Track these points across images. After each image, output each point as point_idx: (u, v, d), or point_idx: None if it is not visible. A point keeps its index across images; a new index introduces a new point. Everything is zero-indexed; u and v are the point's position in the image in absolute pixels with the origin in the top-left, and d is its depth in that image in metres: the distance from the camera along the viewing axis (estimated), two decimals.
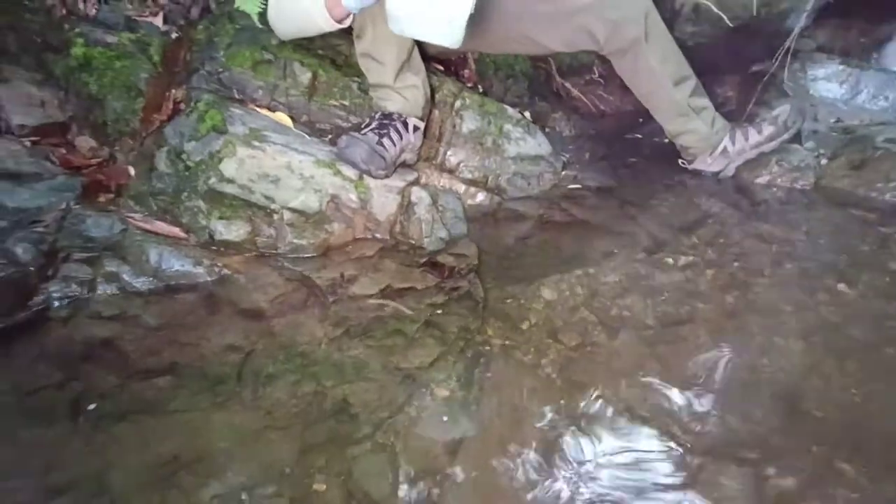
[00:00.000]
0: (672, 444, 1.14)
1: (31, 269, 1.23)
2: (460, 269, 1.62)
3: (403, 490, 1.06)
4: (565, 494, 1.04)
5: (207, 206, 1.47)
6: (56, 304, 1.27)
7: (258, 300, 1.41)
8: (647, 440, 1.16)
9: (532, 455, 1.11)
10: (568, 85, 2.78)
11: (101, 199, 1.44)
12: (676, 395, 1.26)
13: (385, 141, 1.60)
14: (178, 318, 1.32)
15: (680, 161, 2.22)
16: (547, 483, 1.07)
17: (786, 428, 1.17)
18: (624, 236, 1.87)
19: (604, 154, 2.52)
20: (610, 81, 2.90)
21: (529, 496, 1.04)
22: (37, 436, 1.04)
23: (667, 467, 1.12)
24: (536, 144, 2.02)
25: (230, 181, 1.48)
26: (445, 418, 1.20)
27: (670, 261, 1.72)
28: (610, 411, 1.22)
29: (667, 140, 2.39)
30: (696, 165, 2.18)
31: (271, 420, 1.16)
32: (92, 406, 1.12)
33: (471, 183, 1.93)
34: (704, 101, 2.06)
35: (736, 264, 1.68)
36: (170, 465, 1.05)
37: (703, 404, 1.24)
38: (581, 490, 1.05)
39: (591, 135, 2.68)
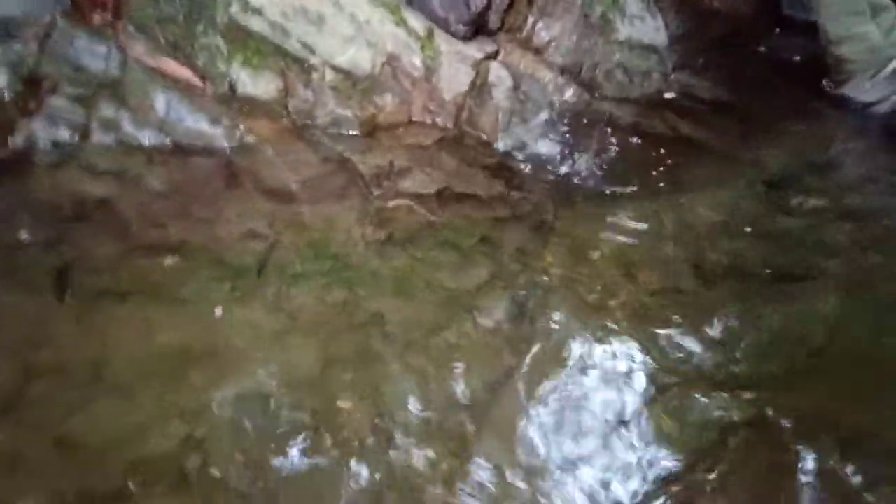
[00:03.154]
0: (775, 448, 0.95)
1: (8, 97, 0.99)
2: (533, 178, 1.35)
3: (433, 421, 0.93)
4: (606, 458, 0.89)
5: (228, 45, 1.18)
6: (41, 146, 1.06)
7: (287, 179, 1.18)
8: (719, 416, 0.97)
9: (580, 415, 0.94)
10: None
11: (96, 18, 1.14)
12: (786, 375, 1.04)
13: None
14: (190, 187, 1.11)
15: (824, 82, 1.77)
16: (590, 443, 0.91)
17: None
18: (739, 164, 1.53)
19: (718, 62, 2.06)
20: None
21: (566, 455, 0.88)
22: (17, 304, 0.90)
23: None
24: (654, 29, 1.60)
25: (257, 12, 1.16)
26: (487, 352, 1.03)
27: (796, 202, 1.40)
28: (682, 376, 1.01)
29: (798, 58, 1.92)
30: (847, 90, 1.73)
31: (294, 324, 1.01)
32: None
33: (560, 70, 1.55)
34: (886, 0, 1.56)
35: (885, 221, 1.35)
36: (177, 358, 0.92)
37: (817, 389, 1.03)
38: (629, 450, 0.88)
39: (702, 37, 2.17)
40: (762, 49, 2.20)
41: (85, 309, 0.92)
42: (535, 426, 0.93)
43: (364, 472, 0.85)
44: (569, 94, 1.58)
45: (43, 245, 0.97)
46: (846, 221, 1.38)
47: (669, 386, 0.99)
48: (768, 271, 1.21)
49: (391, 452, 0.88)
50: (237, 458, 0.85)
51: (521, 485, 0.85)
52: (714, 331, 1.09)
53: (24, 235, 0.97)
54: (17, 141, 1.04)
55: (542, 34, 1.54)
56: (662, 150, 1.56)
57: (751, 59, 2.13)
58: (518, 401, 0.97)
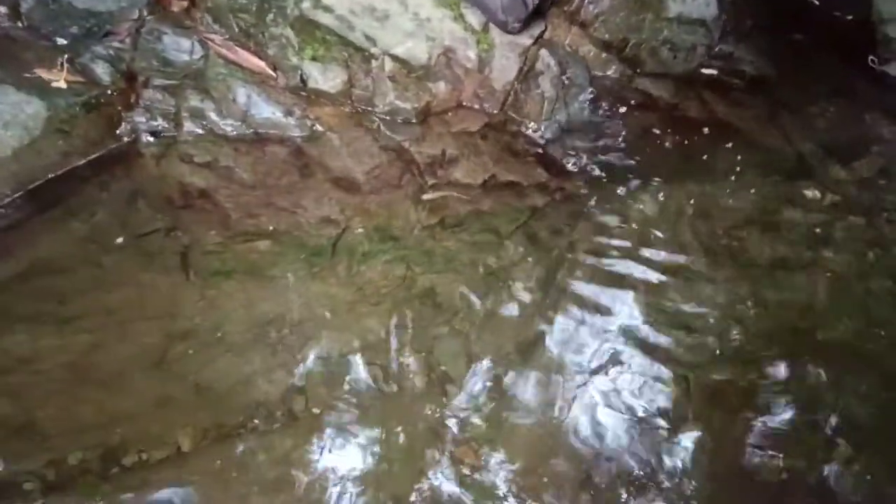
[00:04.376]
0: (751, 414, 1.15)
1: (113, 93, 1.12)
2: (570, 164, 1.48)
3: (475, 373, 1.20)
4: (625, 407, 1.16)
5: (298, 38, 1.27)
6: (143, 137, 1.22)
7: (353, 170, 1.35)
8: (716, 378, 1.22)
9: (594, 364, 1.19)
10: None
11: (174, 7, 1.22)
12: (769, 349, 1.22)
13: None
14: (273, 178, 1.30)
15: (870, 59, 1.77)
16: (608, 396, 1.17)
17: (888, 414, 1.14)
18: (764, 151, 1.64)
19: (767, 22, 2.01)
20: None
21: (588, 403, 1.14)
22: (154, 282, 1.15)
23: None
24: (704, 3, 1.59)
25: (327, 9, 1.24)
26: (520, 317, 1.27)
27: (810, 194, 1.53)
28: (684, 343, 1.23)
29: (850, 17, 1.88)
30: (891, 69, 1.75)
31: (363, 295, 1.25)
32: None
33: (605, 46, 1.60)
34: None
35: (885, 215, 1.49)
36: (275, 325, 1.18)
37: (787, 369, 1.25)
38: (639, 411, 1.14)
39: None
40: (816, 3, 2.12)
41: (204, 285, 1.16)
42: (554, 379, 1.17)
43: (423, 410, 1.12)
44: (611, 71, 1.64)
45: (164, 231, 1.19)
46: (855, 216, 1.53)
47: (671, 345, 1.20)
48: (772, 259, 1.40)
49: (442, 397, 1.16)
50: (329, 400, 1.13)
51: (547, 418, 1.10)
52: (716, 304, 1.29)
53: (148, 223, 1.18)
54: (124, 131, 1.20)
55: (591, 7, 1.56)
56: (694, 135, 1.66)
57: (799, 16, 2.08)
58: (545, 355, 1.21)
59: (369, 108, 1.40)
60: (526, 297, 1.29)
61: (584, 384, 1.17)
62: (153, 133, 1.23)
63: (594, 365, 1.20)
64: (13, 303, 1.09)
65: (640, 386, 1.17)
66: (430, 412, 1.12)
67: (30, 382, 1.02)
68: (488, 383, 1.18)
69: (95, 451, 0.98)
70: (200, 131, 1.29)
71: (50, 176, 1.13)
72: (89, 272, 1.13)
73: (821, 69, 1.89)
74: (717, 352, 1.22)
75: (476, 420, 1.13)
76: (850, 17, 1.93)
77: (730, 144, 1.65)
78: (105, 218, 1.19)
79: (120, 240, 1.17)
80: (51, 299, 1.10)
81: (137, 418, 1.03)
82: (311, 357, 1.17)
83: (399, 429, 1.10)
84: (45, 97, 1.11)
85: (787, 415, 1.18)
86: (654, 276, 1.35)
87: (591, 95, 1.56)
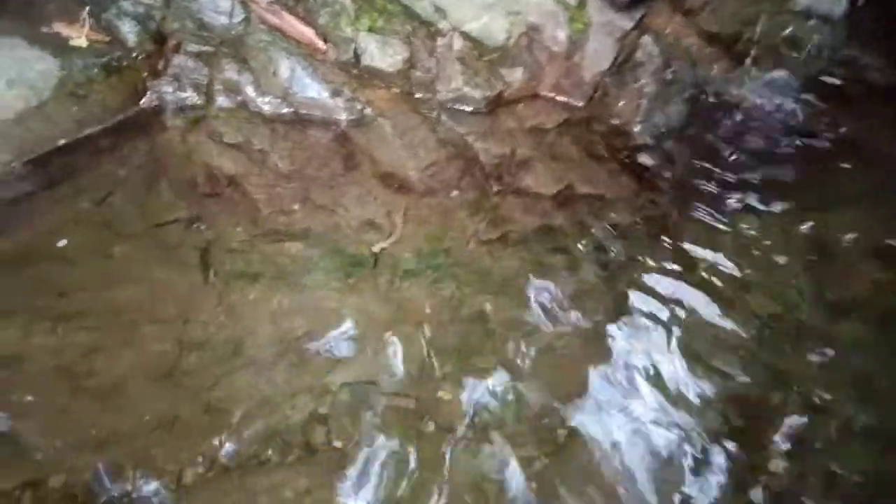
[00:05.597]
0: None
1: (139, 56, 0.97)
2: (662, 177, 1.25)
3: (525, 421, 1.00)
4: (707, 465, 0.93)
5: (355, 5, 1.09)
6: (170, 109, 1.06)
7: (405, 165, 1.16)
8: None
9: (668, 417, 0.97)
10: None
11: None
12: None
13: None
14: (312, 168, 1.13)
15: None
16: (683, 451, 0.95)
17: None
18: (895, 175, 1.36)
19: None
20: None
21: (661, 460, 0.93)
22: (169, 280, 1.00)
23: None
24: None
25: None
26: (583, 354, 1.06)
27: None
28: (789, 417, 0.99)
29: None
30: None
31: (403, 314, 1.08)
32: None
33: (712, 39, 1.35)
34: None
35: None
36: (301, 342, 1.02)
37: None
38: (722, 468, 0.92)
39: None
40: None
41: (224, 288, 1.01)
42: (624, 425, 0.97)
43: (462, 459, 0.93)
44: (716, 70, 1.39)
45: (185, 222, 1.04)
46: None
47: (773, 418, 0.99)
48: None
49: (486, 444, 0.97)
50: (354, 434, 0.96)
51: (611, 474, 0.91)
52: (833, 370, 1.05)
53: (168, 212, 1.03)
54: (147, 102, 1.05)
55: None
56: (811, 152, 1.41)
57: None
58: (609, 403, 1.02)
59: (430, 94, 1.21)
60: (592, 332, 1.08)
61: (655, 438, 0.96)
62: (181, 107, 1.07)
63: (669, 418, 0.98)
64: (4, 290, 0.96)
65: (724, 447, 0.95)
66: (471, 462, 0.93)
67: (15, 385, 0.89)
68: (542, 432, 0.98)
69: (81, 475, 0.84)
70: (234, 107, 1.13)
71: (60, 143, 0.99)
72: (96, 263, 0.99)
73: None
74: (833, 433, 0.96)
75: (527, 475, 0.93)
76: None
77: (854, 165, 1.38)
78: (120, 200, 1.05)
79: (137, 229, 1.02)
80: (48, 291, 0.96)
81: (135, 439, 0.88)
82: (338, 383, 1.00)
83: (433, 478, 0.92)
84: (60, 55, 0.97)
85: None
86: (751, 325, 1.10)
87: (694, 95, 1.32)
